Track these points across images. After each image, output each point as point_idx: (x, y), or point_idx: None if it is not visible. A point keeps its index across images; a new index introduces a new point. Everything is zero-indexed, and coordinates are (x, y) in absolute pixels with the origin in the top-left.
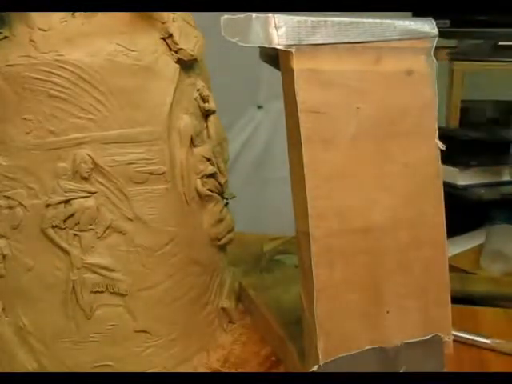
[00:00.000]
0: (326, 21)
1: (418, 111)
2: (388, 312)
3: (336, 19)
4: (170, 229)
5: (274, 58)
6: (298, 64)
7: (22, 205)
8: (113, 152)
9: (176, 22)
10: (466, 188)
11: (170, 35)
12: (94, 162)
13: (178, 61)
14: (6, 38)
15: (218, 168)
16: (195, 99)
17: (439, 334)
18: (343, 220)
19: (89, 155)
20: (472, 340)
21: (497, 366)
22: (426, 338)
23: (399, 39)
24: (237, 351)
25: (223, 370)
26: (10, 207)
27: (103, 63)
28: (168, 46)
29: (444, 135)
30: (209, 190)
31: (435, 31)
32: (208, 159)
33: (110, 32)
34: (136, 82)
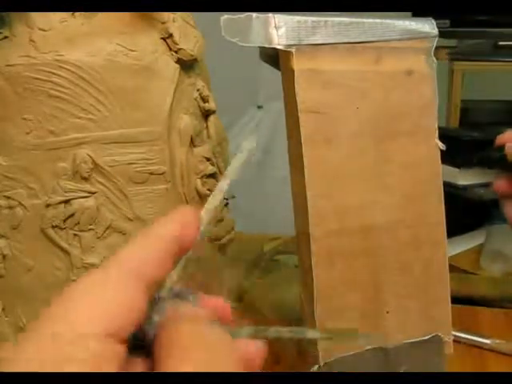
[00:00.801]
0: (326, 21)
1: (418, 111)
2: (388, 312)
3: (336, 19)
4: None
5: (274, 57)
6: (298, 64)
7: (21, 205)
8: (113, 152)
9: (176, 22)
10: (465, 188)
11: (170, 35)
12: (94, 162)
13: (178, 61)
14: (6, 37)
15: (218, 168)
16: (195, 99)
17: (439, 333)
18: (343, 220)
19: (89, 155)
20: (472, 340)
21: (497, 366)
22: (426, 337)
23: (399, 39)
24: None
25: None
26: (10, 207)
27: (103, 63)
28: (168, 45)
29: (444, 135)
30: (209, 189)
31: (435, 31)
32: (208, 159)
33: (109, 32)
34: (136, 81)
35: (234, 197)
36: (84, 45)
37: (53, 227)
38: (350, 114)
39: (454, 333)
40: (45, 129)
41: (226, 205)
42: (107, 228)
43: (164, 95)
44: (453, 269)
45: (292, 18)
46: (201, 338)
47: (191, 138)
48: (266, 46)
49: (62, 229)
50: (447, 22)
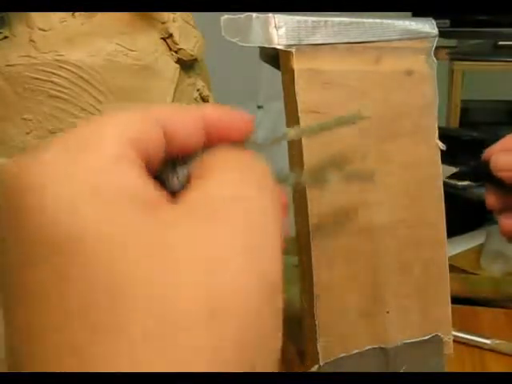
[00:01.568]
0: (326, 21)
1: (418, 111)
2: (388, 312)
3: (336, 19)
4: None
5: (274, 57)
6: (298, 64)
7: None
8: None
9: (176, 22)
10: (465, 188)
11: (170, 35)
12: None
13: (178, 61)
14: (6, 38)
15: None
16: (195, 99)
17: (439, 333)
18: (343, 220)
19: None
20: (472, 340)
21: (497, 366)
22: (426, 337)
23: (399, 39)
24: None
25: None
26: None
27: (103, 63)
28: (168, 45)
29: (444, 135)
30: None
31: (435, 31)
32: None
33: (109, 32)
34: (136, 81)
35: None
36: (84, 45)
37: None
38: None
39: (453, 333)
40: (45, 129)
41: None
42: None
43: (164, 95)
44: (453, 269)
45: (292, 18)
46: (237, 158)
47: None
48: (266, 45)
49: None
50: (447, 21)
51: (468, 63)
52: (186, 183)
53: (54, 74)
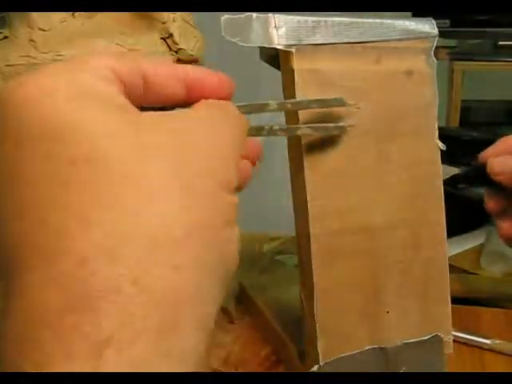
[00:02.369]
0: (326, 21)
1: (418, 111)
2: (388, 312)
3: (336, 19)
4: None
5: (274, 57)
6: (298, 64)
7: None
8: None
9: (176, 21)
10: (466, 188)
11: (170, 35)
12: None
13: (178, 61)
14: (6, 37)
15: None
16: None
17: (439, 333)
18: (343, 220)
19: None
20: (472, 340)
21: (497, 366)
22: (426, 337)
23: (399, 39)
24: (237, 351)
25: (223, 369)
26: None
27: None
28: (168, 45)
29: (444, 135)
30: None
31: (435, 31)
32: None
33: (109, 32)
34: None
35: None
36: (84, 45)
37: None
38: (350, 114)
39: (454, 333)
40: None
41: None
42: None
43: None
44: (453, 269)
45: (292, 18)
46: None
47: None
48: (266, 45)
49: None
50: (447, 21)
51: (468, 63)
52: None
53: None
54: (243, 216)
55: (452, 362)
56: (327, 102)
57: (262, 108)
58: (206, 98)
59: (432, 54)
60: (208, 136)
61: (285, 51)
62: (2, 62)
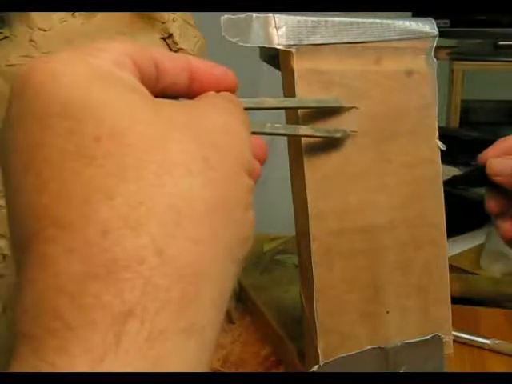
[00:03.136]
0: (326, 21)
1: (418, 111)
2: (388, 312)
3: (336, 19)
4: None
5: (274, 57)
6: (298, 64)
7: None
8: None
9: (176, 21)
10: (465, 188)
11: (170, 35)
12: None
13: None
14: (6, 38)
15: None
16: None
17: (439, 333)
18: (343, 220)
19: None
20: (472, 340)
21: (497, 366)
22: (426, 337)
23: (399, 39)
24: (237, 351)
25: (223, 370)
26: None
27: None
28: (168, 46)
29: (444, 135)
30: None
31: (435, 31)
32: None
33: (109, 32)
34: None
35: None
36: (84, 45)
37: None
38: (350, 114)
39: (454, 333)
40: None
41: None
42: None
43: None
44: (453, 269)
45: (292, 18)
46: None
47: None
48: (266, 46)
49: None
50: (447, 21)
51: (468, 63)
52: None
53: None
54: None
55: (452, 362)
56: (324, 101)
57: (259, 104)
58: (209, 89)
59: (432, 54)
60: (222, 118)
61: (285, 51)
62: (2, 62)
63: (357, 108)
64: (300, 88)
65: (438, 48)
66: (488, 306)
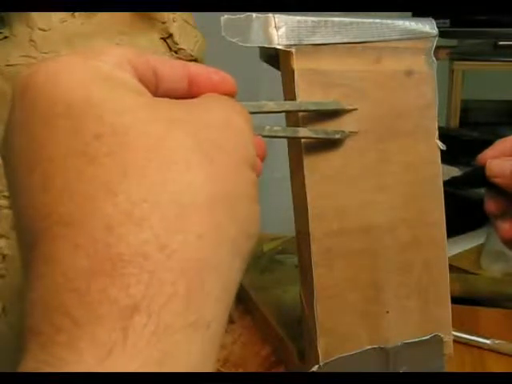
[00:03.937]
0: (326, 21)
1: (418, 111)
2: (388, 312)
3: (336, 19)
4: None
5: (274, 57)
6: (298, 64)
7: None
8: None
9: (176, 21)
10: (465, 189)
11: (170, 35)
12: None
13: None
14: (6, 38)
15: None
16: None
17: (439, 333)
18: (343, 220)
19: None
20: (472, 340)
21: (497, 366)
22: (426, 337)
23: (399, 39)
24: (237, 351)
25: (223, 370)
26: (11, 207)
27: None
28: (168, 45)
29: (444, 135)
30: None
31: (435, 31)
32: None
33: (109, 32)
34: None
35: None
36: (84, 45)
37: None
38: (350, 115)
39: (454, 333)
40: None
41: None
42: None
43: None
44: (453, 269)
45: (292, 18)
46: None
47: None
48: (266, 46)
49: None
50: (447, 21)
51: (468, 63)
52: None
53: None
54: None
55: (452, 362)
56: (324, 104)
57: (259, 108)
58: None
59: (432, 54)
60: (223, 114)
61: (285, 51)
62: (2, 62)
63: (357, 109)
64: (300, 88)
65: (437, 48)
66: (488, 306)
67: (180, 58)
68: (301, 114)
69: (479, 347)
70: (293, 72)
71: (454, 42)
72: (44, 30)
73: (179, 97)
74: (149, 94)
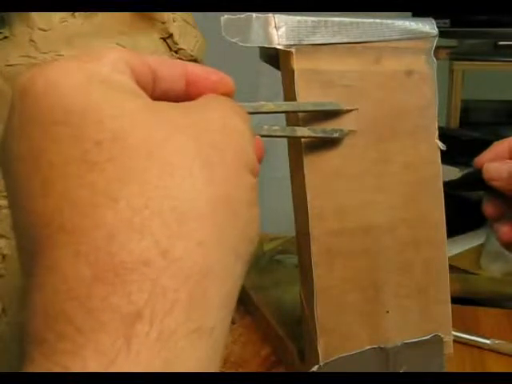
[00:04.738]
0: (326, 21)
1: (418, 111)
2: (388, 312)
3: (336, 19)
4: None
5: (274, 57)
6: (298, 64)
7: None
8: None
9: (176, 21)
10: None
11: (170, 35)
12: None
13: None
14: (6, 38)
15: None
16: None
17: (439, 333)
18: (343, 220)
19: None
20: (472, 340)
21: (497, 366)
22: (426, 337)
23: (399, 39)
24: (237, 351)
25: (223, 370)
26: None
27: None
28: (168, 45)
29: (444, 135)
30: None
31: (435, 31)
32: None
33: (110, 32)
34: None
35: None
36: (84, 45)
37: None
38: (350, 114)
39: (454, 333)
40: None
41: None
42: None
43: None
44: (453, 269)
45: (292, 18)
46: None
47: None
48: (266, 46)
49: None
50: (447, 21)
51: (468, 63)
52: None
53: None
54: None
55: (452, 362)
56: (323, 105)
57: (257, 108)
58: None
59: (432, 54)
60: (223, 117)
61: (285, 51)
62: (2, 62)
63: (356, 110)
64: (300, 88)
65: (437, 48)
66: (488, 305)
67: (180, 58)
68: (301, 114)
69: (479, 347)
70: (293, 72)
71: (453, 42)
72: (44, 30)
73: (177, 96)
74: (148, 98)
